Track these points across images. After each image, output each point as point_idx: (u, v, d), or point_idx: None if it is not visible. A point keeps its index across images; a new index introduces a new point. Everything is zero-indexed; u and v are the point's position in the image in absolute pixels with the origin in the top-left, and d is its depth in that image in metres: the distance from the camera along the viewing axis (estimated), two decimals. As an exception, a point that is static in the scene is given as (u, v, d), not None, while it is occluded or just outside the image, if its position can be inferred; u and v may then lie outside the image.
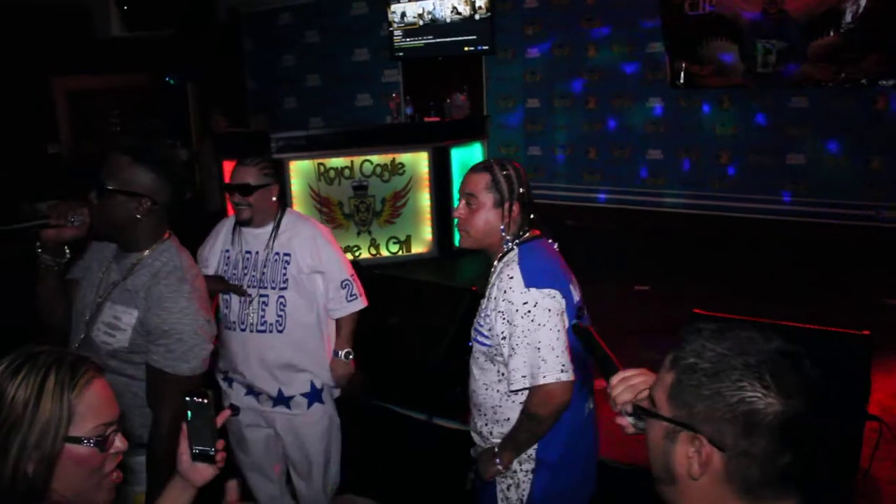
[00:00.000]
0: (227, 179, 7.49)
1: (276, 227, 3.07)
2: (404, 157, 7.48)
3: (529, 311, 2.20)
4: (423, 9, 9.76)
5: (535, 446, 2.32)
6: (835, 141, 7.65)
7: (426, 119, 8.26)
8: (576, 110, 9.27)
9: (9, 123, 9.01)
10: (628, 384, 1.41)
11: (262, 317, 3.02)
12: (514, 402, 2.34)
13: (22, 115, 9.21)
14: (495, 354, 2.34)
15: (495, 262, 2.39)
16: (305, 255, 3.04)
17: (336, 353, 3.15)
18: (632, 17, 8.64)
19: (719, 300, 5.38)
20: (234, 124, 9.48)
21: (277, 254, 3.05)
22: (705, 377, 1.13)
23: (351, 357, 3.15)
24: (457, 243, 8.46)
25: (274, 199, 3.08)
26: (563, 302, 2.27)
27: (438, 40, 9.74)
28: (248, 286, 3.04)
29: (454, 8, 9.53)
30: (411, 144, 7.63)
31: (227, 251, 3.14)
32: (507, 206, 2.33)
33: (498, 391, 2.37)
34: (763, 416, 1.09)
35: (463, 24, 9.52)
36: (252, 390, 3.12)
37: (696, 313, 3.87)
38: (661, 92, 8.62)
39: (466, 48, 9.57)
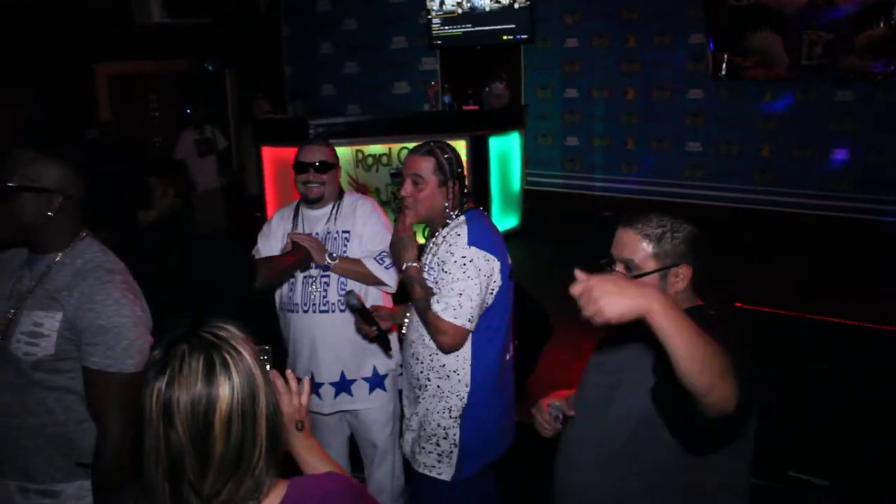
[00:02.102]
0: (265, 163, 7.56)
1: (337, 206, 3.16)
2: (442, 146, 7.47)
3: (465, 265, 2.46)
4: (462, -3, 9.73)
5: (468, 391, 2.54)
6: (881, 136, 7.49)
7: (464, 107, 8.24)
8: (614, 101, 9.19)
9: (52, 109, 9.14)
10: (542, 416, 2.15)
11: (325, 296, 3.04)
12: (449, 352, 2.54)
13: (65, 101, 9.34)
14: None
15: (439, 230, 2.63)
16: (361, 228, 3.11)
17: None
18: (674, 6, 8.53)
19: (759, 294, 5.32)
20: (273, 110, 9.55)
21: (338, 232, 3.11)
22: (674, 233, 1.89)
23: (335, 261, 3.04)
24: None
25: (339, 179, 3.23)
26: (496, 266, 2.52)
27: (477, 29, 9.69)
28: (312, 267, 3.07)
29: (493, -4, 9.49)
30: (450, 133, 7.59)
31: (288, 234, 3.16)
32: (450, 184, 2.59)
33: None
34: (701, 238, 1.91)
35: (502, 13, 9.46)
36: (313, 386, 3.08)
37: (739, 307, 3.84)
38: (702, 83, 8.51)
39: (505, 37, 9.52)
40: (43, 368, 2.06)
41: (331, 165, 3.14)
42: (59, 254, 2.12)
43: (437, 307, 2.45)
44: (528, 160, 8.97)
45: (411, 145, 2.78)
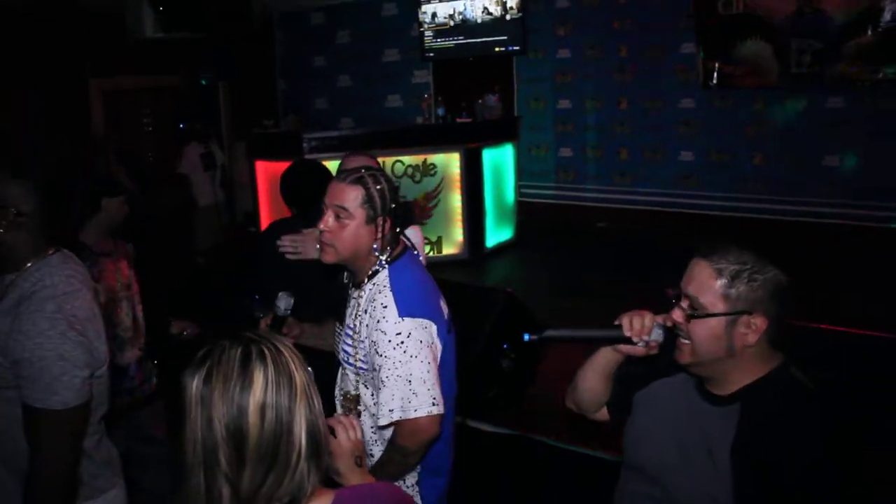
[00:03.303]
0: (258, 177, 7.55)
1: None
2: (436, 158, 7.49)
3: (402, 342, 2.11)
4: (454, 9, 9.77)
5: (421, 463, 2.29)
6: (872, 142, 7.53)
7: (458, 120, 8.26)
8: (607, 111, 9.22)
9: (46, 123, 9.14)
10: (638, 315, 1.79)
11: None
12: (372, 428, 2.30)
13: (60, 116, 9.34)
14: (368, 380, 2.28)
15: (364, 281, 2.26)
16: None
17: None
18: (664, 16, 8.58)
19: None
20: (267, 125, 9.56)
21: None
22: (752, 274, 1.61)
23: None
24: (488, 244, 8.19)
25: None
26: (435, 329, 2.21)
27: (469, 41, 9.74)
28: None
29: (485, 8, 9.53)
30: (443, 145, 7.63)
31: None
32: (380, 221, 2.18)
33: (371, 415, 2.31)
34: (783, 285, 1.62)
35: (494, 25, 9.51)
36: None
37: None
38: (693, 92, 8.55)
39: (497, 49, 9.56)
40: None
41: None
42: (14, 275, 2.02)
43: (395, 413, 2.11)
44: (522, 172, 9.00)
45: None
